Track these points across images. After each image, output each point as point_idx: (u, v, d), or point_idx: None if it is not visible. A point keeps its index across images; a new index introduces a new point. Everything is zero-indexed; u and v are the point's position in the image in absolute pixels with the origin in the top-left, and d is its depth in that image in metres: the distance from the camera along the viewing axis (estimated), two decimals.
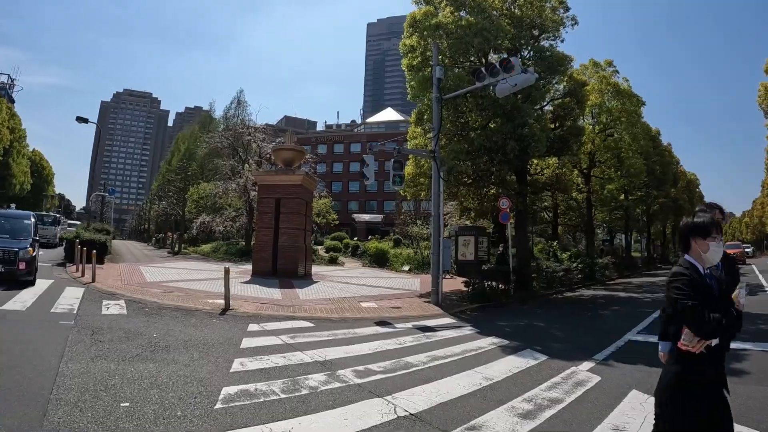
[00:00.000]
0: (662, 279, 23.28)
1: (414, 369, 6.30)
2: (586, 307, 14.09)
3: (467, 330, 9.45)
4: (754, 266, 30.56)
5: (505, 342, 8.23)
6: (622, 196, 26.99)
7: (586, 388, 5.60)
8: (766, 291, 15.90)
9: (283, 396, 4.97)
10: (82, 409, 4.25)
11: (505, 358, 7.11)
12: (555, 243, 27.19)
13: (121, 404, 4.44)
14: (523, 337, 8.67)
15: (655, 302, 14.11)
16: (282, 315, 10.07)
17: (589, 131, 21.72)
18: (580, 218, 30.82)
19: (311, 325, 9.21)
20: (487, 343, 8.16)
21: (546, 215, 29.68)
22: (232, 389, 5.07)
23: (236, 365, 6.04)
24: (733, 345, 7.74)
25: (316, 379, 5.64)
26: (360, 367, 6.21)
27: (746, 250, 44.09)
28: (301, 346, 7.35)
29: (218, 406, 4.58)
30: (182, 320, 8.86)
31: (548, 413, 4.74)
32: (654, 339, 8.57)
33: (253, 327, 8.66)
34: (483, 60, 15.61)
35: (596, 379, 5.98)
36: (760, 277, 22.55)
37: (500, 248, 23.35)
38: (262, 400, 4.81)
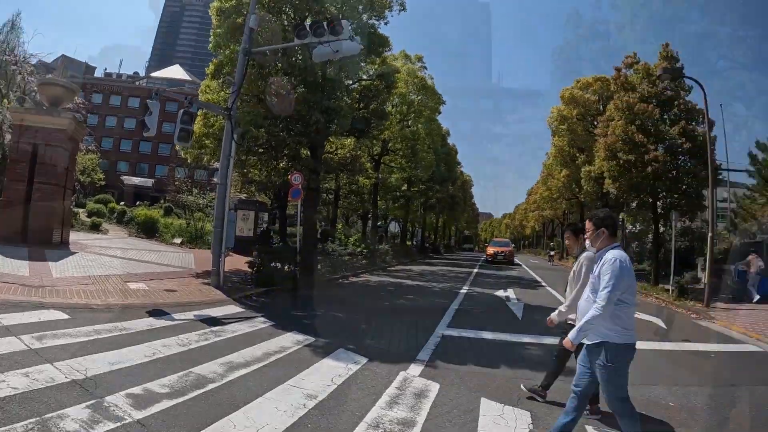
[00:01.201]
0: (440, 268, 25.02)
1: (211, 386, 4.48)
2: (378, 295, 13.67)
3: (261, 322, 7.83)
4: (522, 264, 34.85)
5: (311, 339, 6.85)
6: (405, 187, 28.27)
7: (431, 401, 4.63)
8: (544, 286, 17.87)
9: None
10: None
11: (319, 362, 5.71)
12: (340, 225, 27.07)
13: None
14: (328, 332, 7.44)
15: (444, 292, 14.49)
16: (27, 301, 7.17)
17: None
18: (360, 203, 31.39)
19: (66, 316, 6.61)
20: (290, 341, 6.66)
21: (327, 197, 29.39)
22: None
23: None
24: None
25: (75, 416, 3.45)
26: (137, 389, 4.15)
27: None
28: (52, 353, 4.88)
29: None
30: None
31: None
32: (468, 334, 8.31)
33: None
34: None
35: (435, 386, 5.04)
36: (532, 272, 25.62)
37: (264, 225, 22.23)
38: None
